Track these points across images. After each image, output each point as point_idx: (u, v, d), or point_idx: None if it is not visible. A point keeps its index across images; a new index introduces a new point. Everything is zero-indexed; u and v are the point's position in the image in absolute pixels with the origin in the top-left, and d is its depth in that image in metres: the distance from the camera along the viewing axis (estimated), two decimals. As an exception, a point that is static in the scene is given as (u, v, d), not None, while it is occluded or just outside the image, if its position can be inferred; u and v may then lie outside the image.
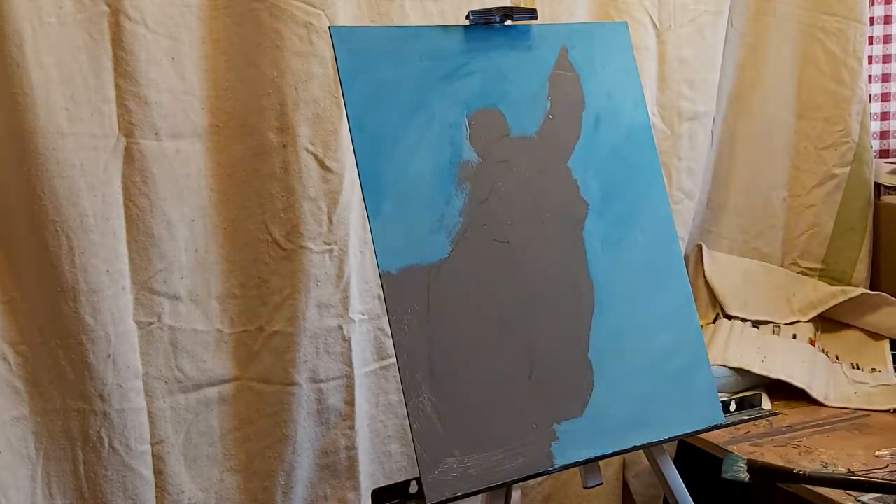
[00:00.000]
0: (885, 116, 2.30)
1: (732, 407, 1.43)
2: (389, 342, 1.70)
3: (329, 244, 1.61)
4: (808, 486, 1.44)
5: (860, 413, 1.77)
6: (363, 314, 1.68)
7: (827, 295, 2.10)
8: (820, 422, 1.73)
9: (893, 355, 1.97)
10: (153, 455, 1.56)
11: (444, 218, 1.25)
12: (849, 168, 2.14)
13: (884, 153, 2.30)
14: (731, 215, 2.21)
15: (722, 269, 2.16)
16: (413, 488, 1.18)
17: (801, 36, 2.13)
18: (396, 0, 1.64)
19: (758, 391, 1.82)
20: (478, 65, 1.33)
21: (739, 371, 1.86)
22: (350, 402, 1.67)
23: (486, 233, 1.28)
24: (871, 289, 2.13)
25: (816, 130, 2.16)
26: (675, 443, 1.84)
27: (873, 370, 1.94)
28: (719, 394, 1.44)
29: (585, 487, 1.29)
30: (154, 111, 1.47)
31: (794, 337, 2.03)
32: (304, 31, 1.53)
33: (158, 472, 1.56)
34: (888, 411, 1.77)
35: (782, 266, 2.21)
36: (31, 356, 1.48)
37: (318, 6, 1.53)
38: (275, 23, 1.52)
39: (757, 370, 1.86)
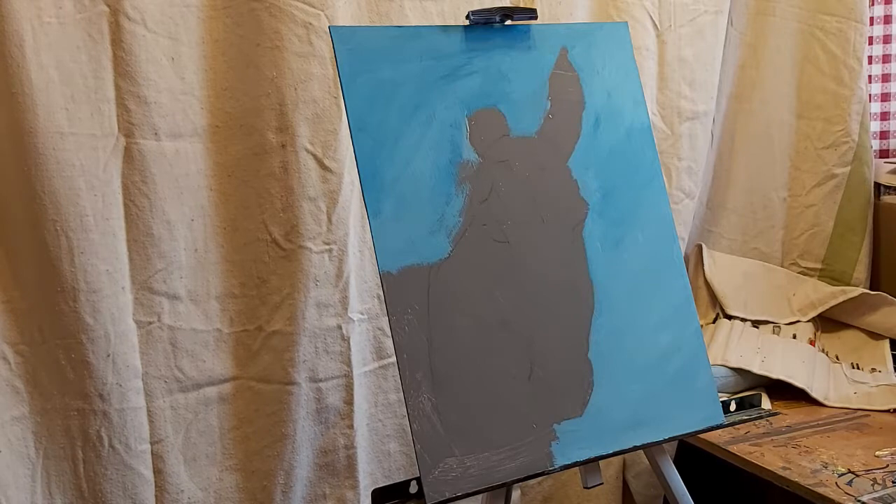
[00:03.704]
0: (885, 116, 2.30)
1: (732, 407, 1.43)
2: (388, 342, 1.70)
3: (328, 244, 1.61)
4: (807, 486, 1.45)
5: (860, 413, 1.77)
6: (362, 314, 1.68)
7: (827, 295, 2.10)
8: (820, 422, 1.73)
9: (893, 355, 1.97)
10: (153, 454, 1.56)
11: (444, 218, 1.25)
12: (849, 168, 2.14)
13: (884, 153, 2.30)
14: (731, 215, 2.21)
15: (722, 269, 2.16)
16: (413, 488, 1.18)
17: (801, 36, 2.13)
18: (396, 0, 1.64)
19: (758, 391, 1.82)
20: (478, 65, 1.33)
21: (739, 371, 1.86)
22: (349, 402, 1.67)
23: (486, 233, 1.28)
24: (871, 289, 2.13)
25: (816, 130, 2.16)
26: (675, 443, 1.84)
27: (873, 370, 1.94)
28: (719, 394, 1.44)
29: (585, 487, 1.29)
30: (154, 111, 1.47)
31: (794, 337, 2.04)
32: (303, 32, 1.53)
33: (158, 472, 1.57)
34: (888, 411, 1.77)
35: (782, 266, 2.21)
36: (31, 356, 1.48)
37: (317, 6, 1.53)
38: (274, 23, 1.51)
39: (757, 370, 1.86)
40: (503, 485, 1.20)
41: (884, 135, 2.30)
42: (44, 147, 1.39)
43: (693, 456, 1.75)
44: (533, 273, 1.29)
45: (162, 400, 1.56)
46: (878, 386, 1.86)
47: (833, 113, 2.13)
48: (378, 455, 1.75)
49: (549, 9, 1.79)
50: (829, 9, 2.10)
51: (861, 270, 2.16)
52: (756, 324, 2.08)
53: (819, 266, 2.19)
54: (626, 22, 1.58)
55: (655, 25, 1.93)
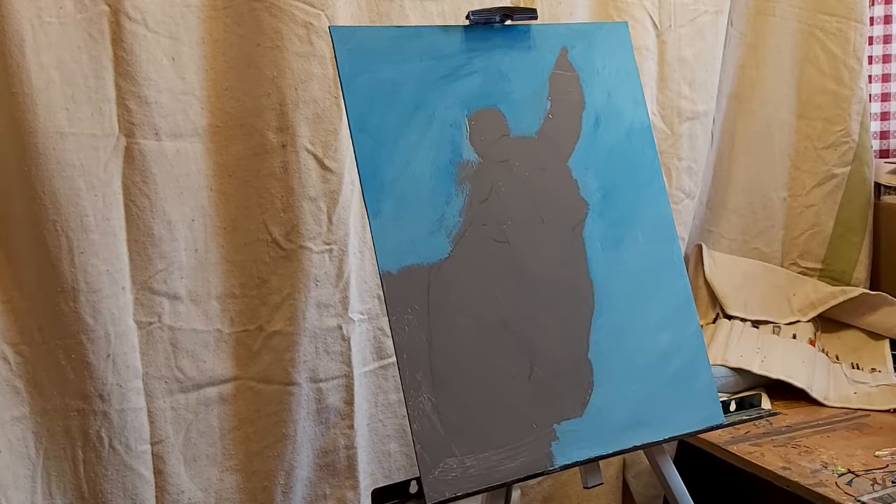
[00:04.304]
0: (885, 116, 2.30)
1: (732, 407, 1.43)
2: (388, 342, 1.70)
3: (329, 244, 1.61)
4: (807, 486, 1.45)
5: (860, 413, 1.77)
6: (362, 314, 1.68)
7: (827, 295, 2.10)
8: (820, 422, 1.73)
9: (893, 355, 1.97)
10: (153, 455, 1.56)
11: (444, 218, 1.25)
12: (849, 168, 2.14)
13: (884, 153, 2.30)
14: (731, 215, 2.21)
15: (722, 269, 2.16)
16: (413, 488, 1.18)
17: (801, 36, 2.13)
18: (396, 0, 1.64)
19: (758, 391, 1.82)
20: (478, 65, 1.33)
21: (739, 371, 1.86)
22: (349, 402, 1.67)
23: (486, 233, 1.28)
24: (871, 289, 2.13)
25: (816, 130, 2.16)
26: (675, 443, 1.84)
27: (873, 370, 1.94)
28: (719, 394, 1.44)
29: (585, 487, 1.29)
30: (154, 111, 1.47)
31: (794, 337, 2.04)
32: (303, 31, 1.53)
33: (158, 472, 1.57)
34: (888, 411, 1.77)
35: (782, 266, 2.21)
36: (31, 356, 1.48)
37: (318, 6, 1.53)
38: (275, 23, 1.52)
39: (757, 370, 1.86)
40: (503, 485, 1.20)
41: (884, 135, 2.30)
42: (44, 147, 1.39)
43: (693, 456, 1.75)
44: (533, 273, 1.30)
45: (162, 400, 1.56)
46: (878, 386, 1.86)
47: (833, 113, 2.13)
48: (378, 455, 1.75)
49: (549, 9, 1.79)
50: (829, 9, 2.10)
51: (861, 270, 2.16)
52: (756, 324, 2.08)
53: (819, 266, 2.19)
54: (626, 22, 1.58)
55: (655, 25, 1.93)
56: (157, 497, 1.57)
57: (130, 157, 1.48)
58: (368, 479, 1.73)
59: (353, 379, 1.67)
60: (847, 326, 2.09)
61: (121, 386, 1.50)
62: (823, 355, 1.99)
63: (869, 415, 1.76)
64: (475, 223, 1.27)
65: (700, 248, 2.18)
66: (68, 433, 1.51)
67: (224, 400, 1.61)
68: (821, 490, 1.43)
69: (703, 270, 2.14)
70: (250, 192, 1.57)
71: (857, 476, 1.48)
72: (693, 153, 2.02)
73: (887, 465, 1.51)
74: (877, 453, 1.57)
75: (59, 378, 1.48)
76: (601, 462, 1.28)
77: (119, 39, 1.44)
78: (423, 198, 1.25)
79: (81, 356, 1.47)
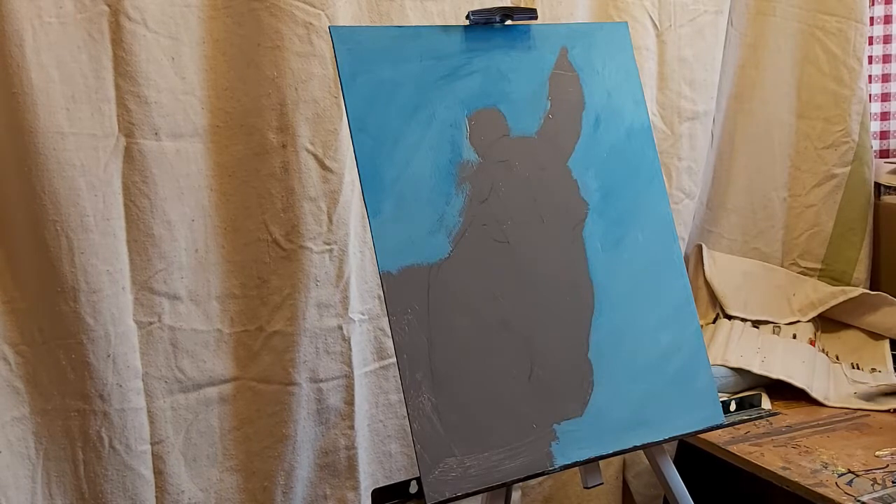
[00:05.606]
0: (885, 116, 2.30)
1: (732, 407, 1.43)
2: (389, 342, 1.70)
3: (329, 244, 1.61)
4: (807, 486, 1.45)
5: (860, 413, 1.77)
6: (363, 314, 1.68)
7: (827, 295, 2.10)
8: (820, 422, 1.73)
9: (893, 355, 1.97)
10: (153, 455, 1.56)
11: (444, 218, 1.25)
12: (849, 168, 2.14)
13: (884, 153, 2.30)
14: (731, 215, 2.21)
15: (722, 269, 2.16)
16: (413, 488, 1.18)
17: (801, 36, 2.13)
18: (396, 0, 1.64)
19: (758, 391, 1.82)
20: (478, 65, 1.33)
21: (739, 371, 1.86)
22: (350, 402, 1.67)
23: (486, 233, 1.28)
24: (871, 289, 2.13)
25: (816, 130, 2.16)
26: (675, 443, 1.84)
27: (873, 370, 1.94)
28: (719, 394, 1.44)
29: (585, 487, 1.29)
30: (154, 111, 1.47)
31: (794, 337, 2.04)
32: (304, 31, 1.53)
33: (158, 472, 1.57)
34: (888, 411, 1.77)
35: (782, 266, 2.22)
36: (31, 356, 1.48)
37: (318, 6, 1.53)
38: (275, 23, 1.52)
39: (757, 370, 1.86)
40: (503, 485, 1.20)
41: (884, 135, 2.31)
42: (44, 147, 1.39)
43: (693, 456, 1.75)
44: (533, 273, 1.30)
45: (162, 400, 1.56)
46: (878, 386, 1.86)
47: (833, 113, 2.13)
48: (379, 456, 1.75)
49: (549, 9, 1.79)
50: (829, 9, 2.10)
51: (861, 270, 2.16)
52: (756, 324, 2.08)
53: (819, 266, 2.19)
54: (626, 22, 1.58)
55: (655, 25, 1.93)
56: (157, 497, 1.57)
57: (130, 157, 1.48)
58: (369, 479, 1.73)
59: (353, 379, 1.67)
60: (847, 326, 2.09)
61: (121, 386, 1.51)
62: (823, 355, 1.99)
63: (869, 415, 1.76)
64: (475, 223, 1.27)
65: (700, 248, 2.18)
66: (68, 433, 1.51)
67: (224, 400, 1.61)
68: (821, 490, 1.43)
69: (703, 270, 2.14)
70: (250, 192, 1.57)
71: (857, 476, 1.48)
72: (693, 153, 2.02)
73: (887, 465, 1.51)
74: (877, 453, 1.57)
75: (59, 378, 1.48)
76: (601, 462, 1.28)
77: (119, 39, 1.44)
78: (422, 198, 1.25)
79: (81, 356, 1.47)
